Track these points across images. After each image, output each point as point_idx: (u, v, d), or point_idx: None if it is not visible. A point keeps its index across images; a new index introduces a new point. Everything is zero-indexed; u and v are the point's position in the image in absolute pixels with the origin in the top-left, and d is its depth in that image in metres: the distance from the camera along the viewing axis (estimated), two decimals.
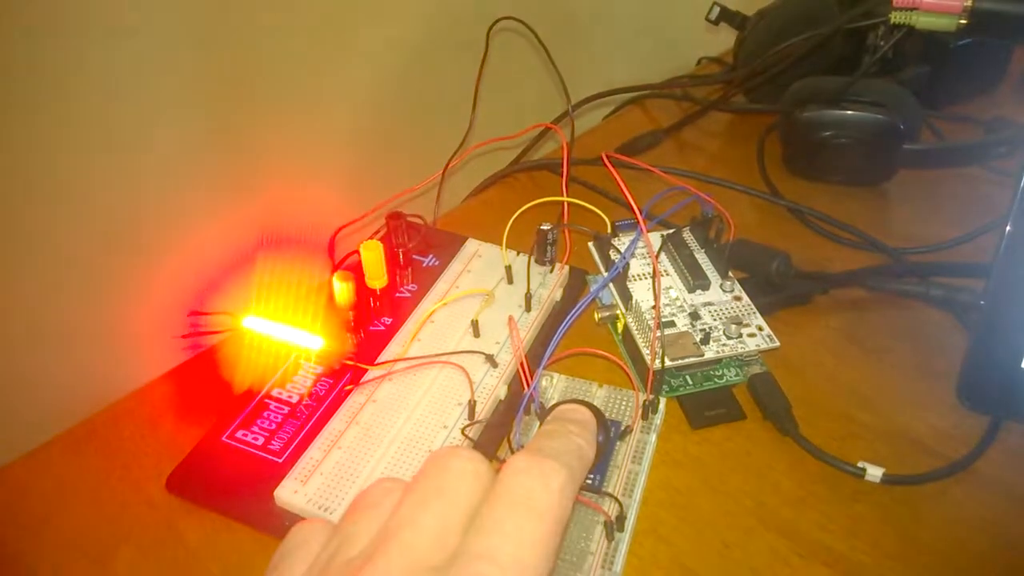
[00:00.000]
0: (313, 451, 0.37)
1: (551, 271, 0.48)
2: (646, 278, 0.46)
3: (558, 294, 0.47)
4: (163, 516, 0.37)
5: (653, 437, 0.39)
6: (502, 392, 0.40)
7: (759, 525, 0.36)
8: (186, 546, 0.36)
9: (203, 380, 0.44)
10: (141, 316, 0.56)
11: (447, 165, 0.52)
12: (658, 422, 0.40)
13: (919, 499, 0.38)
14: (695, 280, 0.46)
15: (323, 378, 0.41)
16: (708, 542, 0.36)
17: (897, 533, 0.36)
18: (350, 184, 0.66)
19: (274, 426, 0.39)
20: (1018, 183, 0.37)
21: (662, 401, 0.40)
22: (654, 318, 0.42)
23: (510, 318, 0.43)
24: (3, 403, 0.51)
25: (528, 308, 0.45)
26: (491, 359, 0.41)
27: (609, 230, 0.48)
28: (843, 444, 0.40)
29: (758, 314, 0.44)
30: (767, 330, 0.43)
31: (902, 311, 0.48)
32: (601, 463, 0.37)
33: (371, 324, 0.44)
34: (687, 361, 0.42)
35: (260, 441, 0.38)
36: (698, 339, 0.42)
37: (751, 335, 0.43)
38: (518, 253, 0.48)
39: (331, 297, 0.45)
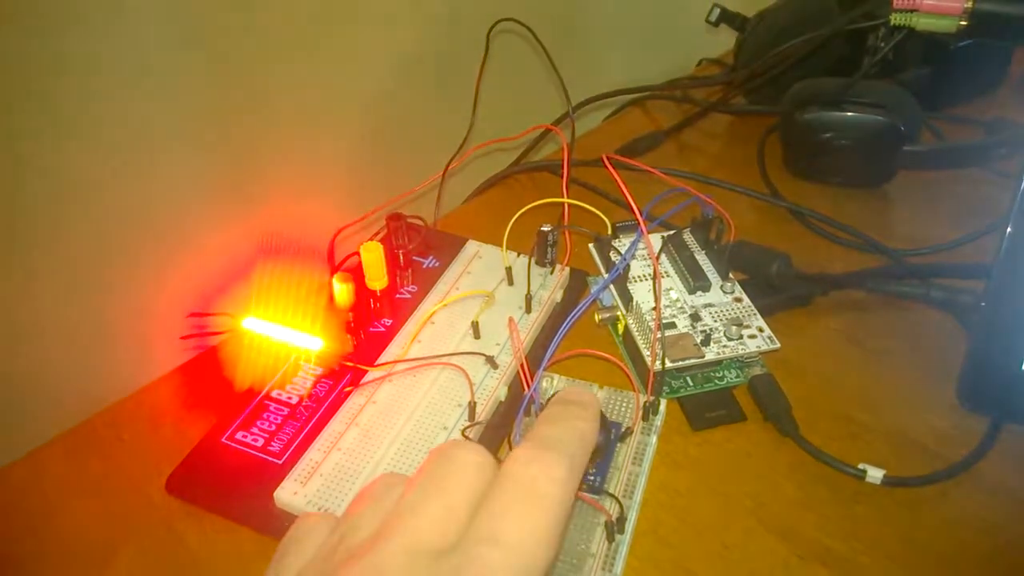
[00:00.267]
0: (313, 452, 0.37)
1: (551, 272, 0.48)
2: (646, 279, 0.46)
3: (558, 295, 0.47)
4: (163, 517, 0.37)
5: (653, 438, 0.39)
6: (502, 393, 0.40)
7: (759, 526, 0.36)
8: (186, 547, 0.36)
9: (203, 381, 0.44)
10: (141, 317, 0.56)
11: (447, 166, 0.52)
12: (658, 423, 0.39)
13: (919, 501, 0.38)
14: (695, 281, 0.46)
15: (323, 379, 0.41)
16: (708, 543, 0.36)
17: (897, 534, 0.36)
18: (350, 185, 0.66)
19: (274, 427, 0.39)
20: (1018, 184, 0.37)
21: (662, 402, 0.40)
22: (654, 319, 0.42)
23: (510, 319, 0.43)
24: (3, 404, 0.51)
25: (528, 309, 0.45)
26: (491, 360, 0.41)
27: (609, 231, 0.48)
28: (843, 446, 0.40)
29: (759, 315, 0.44)
30: (767, 331, 0.43)
31: (902, 313, 0.48)
32: (602, 464, 0.37)
33: (371, 325, 0.44)
34: (687, 363, 0.42)
35: (260, 442, 0.38)
36: (699, 340, 0.42)
37: (751, 336, 0.43)
38: (518, 254, 0.48)
39: (331, 298, 0.45)
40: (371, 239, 0.48)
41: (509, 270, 0.47)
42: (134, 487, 0.38)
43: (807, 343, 0.46)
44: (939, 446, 0.40)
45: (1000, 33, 0.50)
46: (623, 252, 0.46)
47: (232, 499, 0.37)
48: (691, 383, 0.43)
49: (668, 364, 0.41)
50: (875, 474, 0.38)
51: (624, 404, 0.40)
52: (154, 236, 0.56)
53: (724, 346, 0.42)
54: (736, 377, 0.43)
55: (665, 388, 0.42)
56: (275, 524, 0.35)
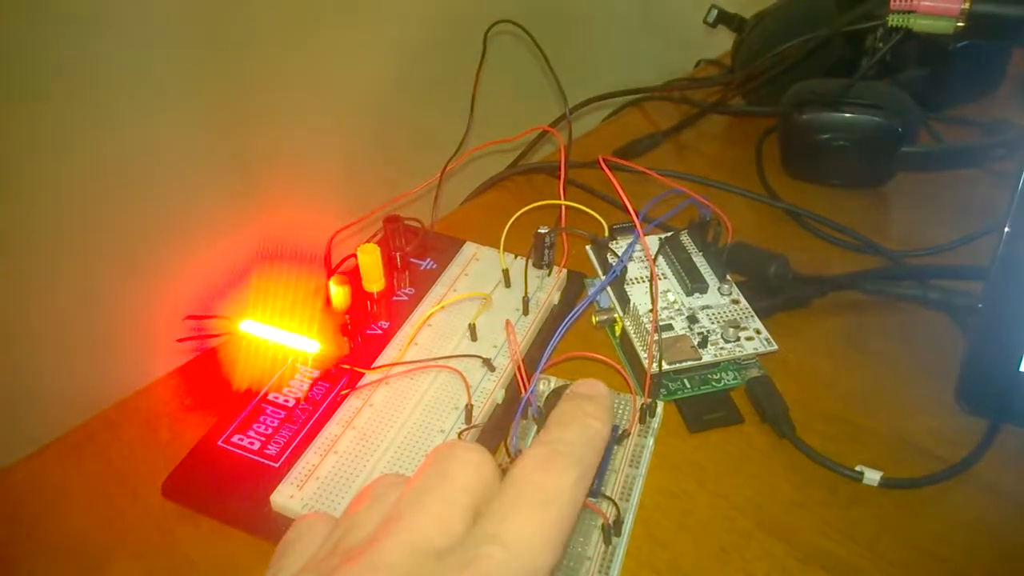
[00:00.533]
0: (309, 455, 0.37)
1: (549, 274, 0.47)
2: (644, 281, 0.46)
3: (556, 297, 0.47)
4: (159, 521, 0.37)
5: (650, 441, 0.39)
6: (499, 396, 0.40)
7: (757, 529, 0.36)
8: (182, 551, 0.36)
9: (200, 384, 0.43)
10: (138, 320, 0.56)
11: (444, 168, 0.52)
12: (655, 426, 0.39)
13: (917, 502, 0.38)
14: (693, 283, 0.46)
15: (319, 382, 0.41)
16: (705, 546, 0.36)
17: (895, 536, 0.36)
18: (347, 188, 0.66)
19: (270, 430, 0.39)
20: (1016, 185, 0.37)
21: (659, 404, 0.40)
22: (651, 321, 0.42)
23: (507, 322, 0.43)
24: (0, 406, 0.51)
25: (526, 312, 0.45)
26: (488, 363, 0.41)
27: (607, 233, 0.48)
28: (841, 447, 0.40)
29: (756, 317, 0.44)
30: (765, 333, 0.43)
31: (900, 314, 0.48)
32: (600, 467, 0.37)
33: (368, 328, 0.44)
34: (685, 365, 0.42)
35: (256, 445, 0.38)
36: (696, 342, 0.42)
37: (749, 338, 0.43)
38: (516, 256, 0.48)
39: (328, 301, 0.45)
40: (368, 241, 0.48)
41: (506, 272, 0.47)
42: (131, 490, 0.38)
43: (805, 345, 0.46)
44: (937, 448, 0.40)
45: (998, 34, 0.50)
46: (620, 254, 0.46)
47: (228, 502, 0.36)
48: (688, 385, 0.42)
49: (665, 366, 0.41)
50: (872, 476, 0.38)
51: (621, 406, 0.40)
52: (151, 238, 0.56)
53: (721, 348, 0.42)
54: (733, 379, 0.43)
55: (662, 390, 0.42)
56: (271, 527, 0.35)
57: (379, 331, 0.44)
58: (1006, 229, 0.37)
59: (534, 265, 0.47)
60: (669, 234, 0.49)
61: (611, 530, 0.34)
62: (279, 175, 0.62)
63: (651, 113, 0.71)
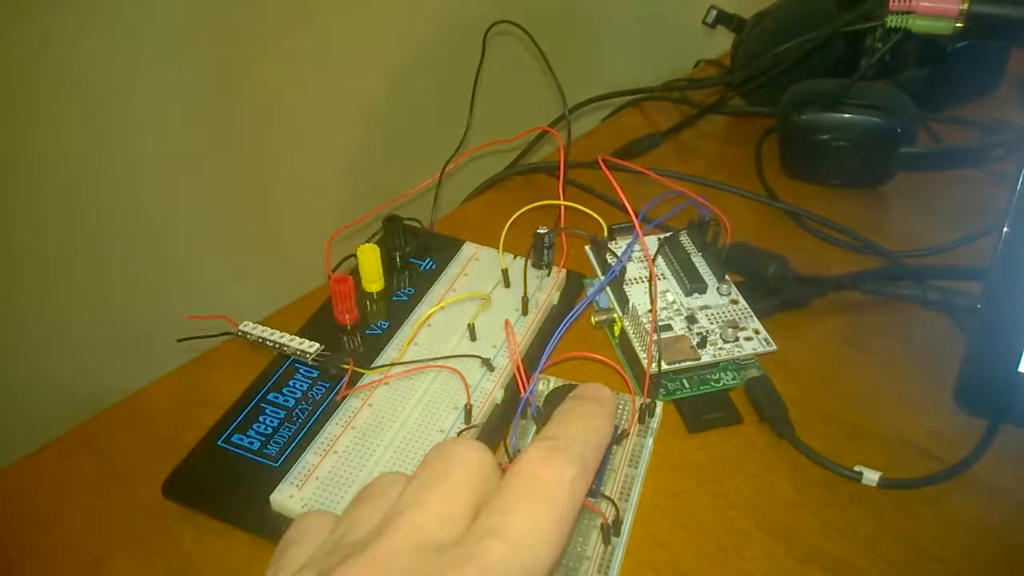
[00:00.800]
0: (309, 455, 0.37)
1: (548, 275, 0.47)
2: (643, 281, 0.46)
3: (555, 298, 0.47)
4: (159, 521, 0.37)
5: (649, 441, 0.39)
6: (499, 396, 0.40)
7: (756, 529, 0.36)
8: (182, 551, 0.36)
9: (199, 384, 0.44)
10: (138, 320, 0.56)
11: (444, 168, 0.52)
12: (654, 426, 0.39)
13: (916, 503, 0.38)
14: (692, 283, 0.46)
15: (319, 382, 0.41)
16: (705, 546, 0.36)
17: (894, 537, 0.36)
18: (347, 187, 0.66)
19: (270, 430, 0.39)
20: (1015, 186, 0.37)
21: (658, 405, 0.40)
22: (650, 321, 0.42)
23: (506, 322, 0.43)
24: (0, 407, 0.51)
25: (525, 312, 0.45)
26: (488, 363, 0.41)
27: (606, 234, 0.48)
28: (840, 448, 0.40)
29: (755, 318, 0.44)
30: (764, 334, 0.43)
31: (899, 314, 0.48)
32: (599, 467, 0.37)
33: (368, 328, 0.44)
34: (684, 365, 0.42)
35: (256, 445, 0.38)
36: (695, 343, 0.42)
37: (748, 339, 0.43)
38: (515, 256, 0.48)
39: (328, 301, 0.45)
40: (368, 241, 0.48)
41: (506, 272, 0.47)
42: (130, 490, 0.38)
43: (804, 345, 0.46)
44: (936, 448, 0.40)
45: (996, 35, 0.50)
46: (619, 254, 0.46)
47: (228, 502, 0.36)
48: (687, 385, 0.42)
49: (664, 366, 0.41)
50: (871, 476, 0.38)
51: (620, 406, 0.40)
52: (151, 238, 0.56)
53: (720, 348, 0.42)
54: (732, 379, 0.43)
55: (661, 390, 0.42)
56: (271, 527, 0.35)
57: (379, 331, 0.44)
58: (1005, 229, 0.37)
59: (533, 265, 0.47)
60: (668, 234, 0.49)
61: (610, 530, 0.34)
62: (279, 175, 0.62)
63: (650, 113, 0.71)
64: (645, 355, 0.41)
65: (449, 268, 0.48)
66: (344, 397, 0.40)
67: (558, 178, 0.47)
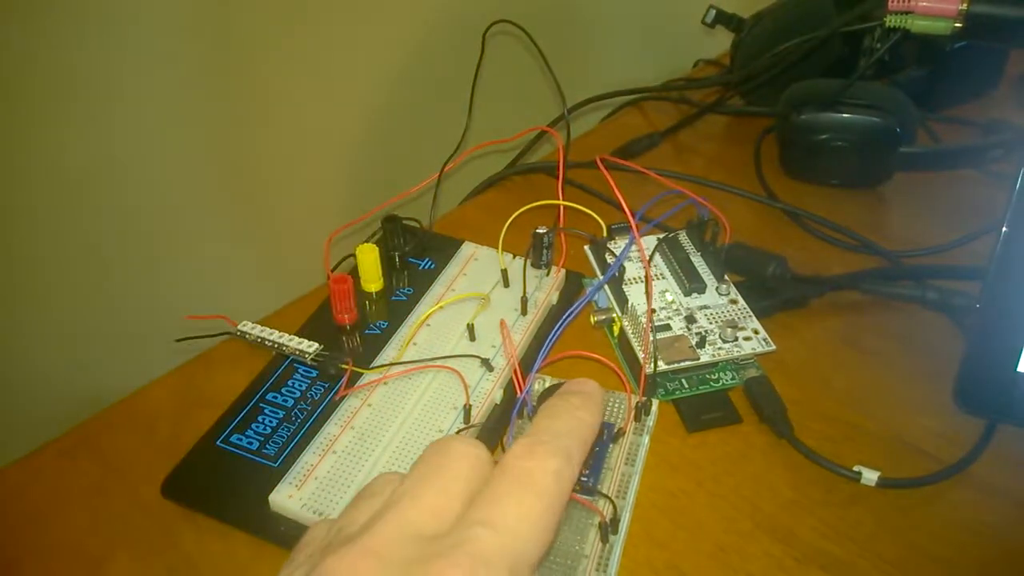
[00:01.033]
0: (308, 455, 0.37)
1: (547, 274, 0.48)
2: (642, 281, 0.46)
3: (554, 297, 0.47)
4: (158, 521, 0.37)
5: (646, 439, 0.39)
6: (498, 396, 0.40)
7: (755, 528, 0.36)
8: (181, 551, 0.36)
9: (198, 384, 0.44)
10: (137, 320, 0.56)
11: (443, 168, 0.52)
12: (651, 424, 0.39)
13: (915, 502, 0.38)
14: (691, 283, 0.46)
15: (318, 382, 0.41)
16: (703, 545, 0.36)
17: (892, 536, 0.36)
18: (346, 187, 0.66)
19: (269, 430, 0.39)
20: (1014, 185, 0.37)
21: (655, 403, 0.40)
22: (647, 321, 0.42)
23: (502, 323, 0.43)
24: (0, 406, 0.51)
25: (524, 311, 0.45)
26: (487, 363, 0.41)
27: (605, 233, 0.48)
28: (839, 447, 0.40)
29: (754, 317, 0.44)
30: (763, 333, 0.43)
31: (898, 314, 0.48)
32: (595, 465, 0.37)
33: (367, 328, 0.44)
34: (683, 364, 0.42)
35: (255, 445, 0.38)
36: (694, 342, 0.42)
37: (747, 338, 0.43)
38: (514, 256, 0.48)
39: (327, 300, 0.45)
40: (367, 241, 0.48)
41: (505, 272, 0.47)
42: (129, 490, 0.38)
43: (803, 345, 0.46)
44: (934, 448, 0.40)
45: (995, 35, 0.50)
46: (618, 254, 0.46)
47: (227, 502, 0.36)
48: (686, 385, 0.43)
49: (663, 366, 0.41)
50: (870, 476, 0.38)
51: (616, 405, 0.40)
52: (150, 238, 0.56)
53: (719, 348, 0.42)
54: (731, 379, 0.43)
55: (660, 390, 0.42)
56: (270, 527, 0.35)
57: (378, 331, 0.44)
58: (1004, 229, 0.37)
59: (532, 265, 0.47)
60: (667, 234, 0.49)
61: (608, 528, 0.34)
62: (278, 175, 0.62)
63: (649, 113, 0.71)
64: (643, 354, 0.41)
65: (448, 268, 0.48)
66: (343, 397, 0.40)
67: (557, 178, 0.47)
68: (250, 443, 0.38)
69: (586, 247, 0.48)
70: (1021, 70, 0.70)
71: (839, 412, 0.42)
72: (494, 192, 0.61)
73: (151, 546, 0.36)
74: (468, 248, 0.50)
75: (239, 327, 0.43)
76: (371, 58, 0.65)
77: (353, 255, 0.46)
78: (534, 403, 0.39)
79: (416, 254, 0.49)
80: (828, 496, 0.38)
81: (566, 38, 0.78)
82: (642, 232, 0.49)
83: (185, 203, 0.57)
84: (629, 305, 0.44)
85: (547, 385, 0.41)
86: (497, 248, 0.46)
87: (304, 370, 0.42)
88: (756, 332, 0.43)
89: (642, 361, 0.41)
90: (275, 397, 0.41)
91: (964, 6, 0.49)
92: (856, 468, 0.38)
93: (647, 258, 0.48)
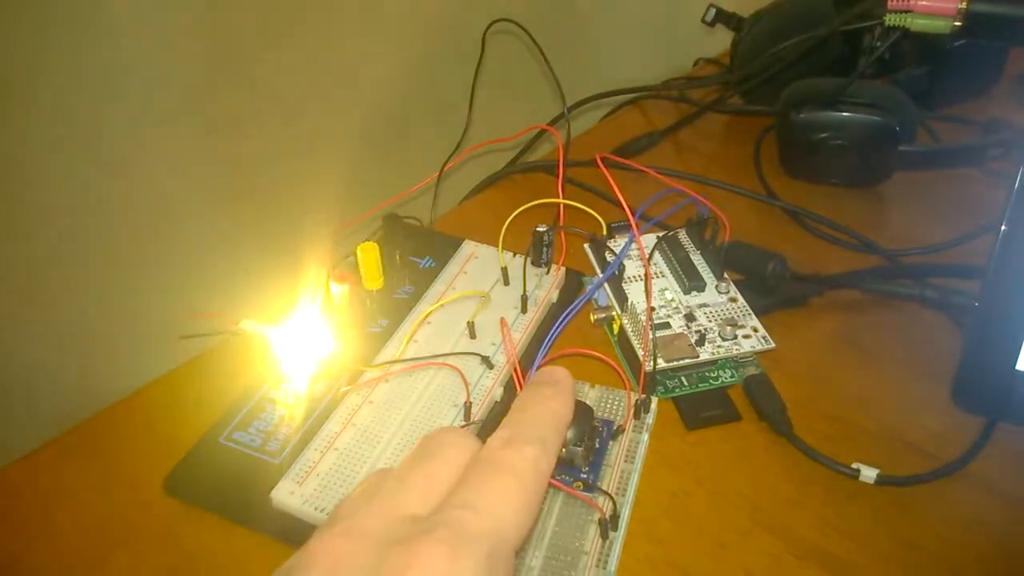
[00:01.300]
0: (310, 452, 0.37)
1: (547, 273, 0.48)
2: (641, 279, 0.46)
3: (554, 296, 0.47)
4: (160, 518, 0.37)
5: (645, 436, 0.39)
6: (498, 393, 0.41)
7: (754, 526, 0.37)
8: (183, 547, 0.36)
9: (200, 382, 0.44)
10: (140, 318, 0.56)
11: (443, 167, 0.52)
12: (650, 421, 0.40)
13: (913, 500, 0.38)
14: (690, 282, 0.46)
15: (320, 379, 0.41)
16: (703, 543, 0.36)
17: (891, 534, 0.36)
18: (347, 186, 0.66)
19: (271, 427, 0.39)
20: (1013, 184, 0.37)
21: (654, 400, 0.40)
22: (646, 319, 0.42)
23: (502, 321, 0.43)
24: (0, 405, 0.51)
25: (524, 310, 0.45)
26: (487, 360, 0.41)
27: (605, 232, 0.48)
28: (838, 445, 0.40)
29: (754, 316, 0.44)
30: (762, 332, 0.43)
31: (897, 313, 0.48)
32: (595, 462, 0.37)
33: (368, 326, 0.45)
34: (682, 362, 0.42)
35: (257, 442, 0.39)
36: (693, 340, 0.43)
37: (746, 337, 0.43)
38: (514, 255, 0.48)
39: (328, 299, 0.45)
40: (367, 240, 0.48)
41: (505, 270, 0.47)
42: (132, 487, 0.38)
43: (802, 343, 0.46)
44: (933, 446, 0.40)
45: (995, 34, 0.50)
46: (618, 252, 0.46)
47: (229, 498, 0.37)
48: (686, 383, 0.43)
49: (663, 364, 0.41)
50: (869, 473, 0.38)
51: (616, 403, 0.40)
52: (152, 237, 0.56)
53: (719, 346, 0.43)
54: (731, 377, 0.43)
55: (660, 388, 0.42)
56: (272, 524, 0.35)
57: (379, 329, 0.44)
58: (1003, 228, 0.37)
59: (533, 263, 0.47)
60: (667, 232, 0.49)
61: (608, 524, 0.34)
62: (278, 174, 0.62)
63: (649, 112, 0.71)
64: (643, 352, 0.41)
65: (449, 266, 0.49)
66: (345, 394, 0.40)
67: (557, 176, 0.47)
68: (252, 440, 0.39)
69: (586, 245, 0.49)
70: (1021, 69, 0.70)
71: (838, 410, 0.42)
72: (494, 191, 0.61)
73: (151, 545, 0.36)
74: (468, 246, 0.50)
75: (241, 325, 0.43)
76: (371, 57, 0.65)
77: (354, 253, 0.46)
78: None
79: (417, 252, 0.50)
80: (827, 494, 0.38)
81: (566, 37, 0.78)
82: (642, 230, 0.49)
83: (186, 202, 0.57)
84: (629, 303, 0.44)
85: None
86: (497, 246, 0.46)
87: (306, 367, 0.42)
88: (755, 330, 0.43)
89: (642, 359, 0.41)
90: (276, 394, 0.41)
91: (964, 4, 0.49)
92: (855, 466, 0.38)
93: (647, 256, 0.48)
